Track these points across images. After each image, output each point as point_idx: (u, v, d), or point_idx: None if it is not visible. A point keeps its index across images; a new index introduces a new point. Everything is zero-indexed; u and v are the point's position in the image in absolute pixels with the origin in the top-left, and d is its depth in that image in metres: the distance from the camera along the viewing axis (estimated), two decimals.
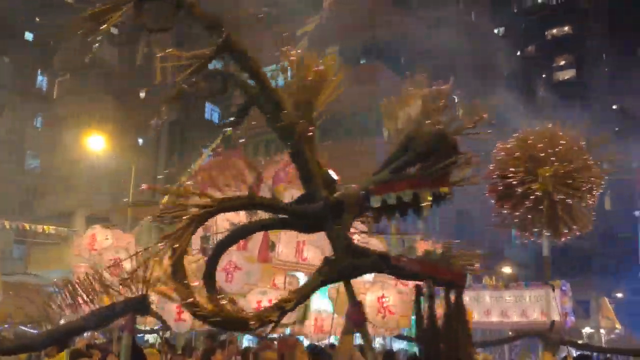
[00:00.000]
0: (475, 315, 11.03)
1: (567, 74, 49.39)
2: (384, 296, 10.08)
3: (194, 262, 4.62)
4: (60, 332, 4.12)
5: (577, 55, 47.36)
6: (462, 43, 30.70)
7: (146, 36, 3.24)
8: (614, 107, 45.12)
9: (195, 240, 10.57)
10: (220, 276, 8.05)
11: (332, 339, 10.09)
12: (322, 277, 3.39)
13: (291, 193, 9.72)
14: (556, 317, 9.92)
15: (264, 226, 3.94)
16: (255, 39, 27.64)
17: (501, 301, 10.73)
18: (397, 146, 3.64)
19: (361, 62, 25.84)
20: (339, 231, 3.47)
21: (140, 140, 30.84)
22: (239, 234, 3.91)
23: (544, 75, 48.67)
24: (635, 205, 35.99)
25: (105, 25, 3.15)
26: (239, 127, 3.87)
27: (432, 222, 29.69)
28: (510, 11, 51.44)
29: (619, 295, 32.75)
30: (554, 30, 50.65)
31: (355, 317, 3.37)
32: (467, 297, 11.29)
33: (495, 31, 43.41)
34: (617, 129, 38.27)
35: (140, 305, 4.15)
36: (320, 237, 9.26)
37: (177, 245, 3.20)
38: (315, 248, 9.41)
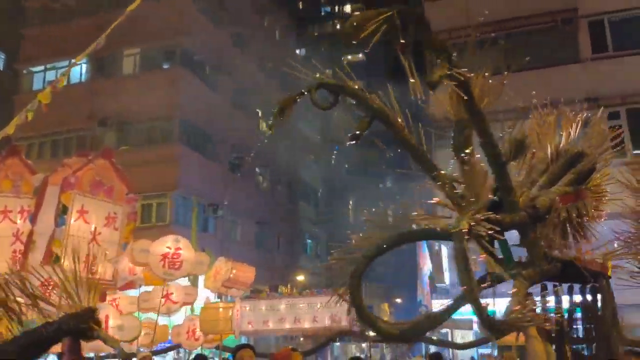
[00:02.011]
0: (271, 324, 11.31)
1: None
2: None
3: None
4: None
5: (367, 81, 51.76)
6: (265, 59, 31.56)
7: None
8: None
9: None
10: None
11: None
12: (528, 281, 3.56)
13: (81, 201, 8.98)
14: (344, 322, 10.61)
15: (428, 235, 3.88)
16: (57, 29, 25.26)
17: (295, 308, 11.15)
18: (547, 162, 4.05)
19: (164, 66, 25.05)
20: (538, 240, 3.74)
21: None
22: (394, 243, 3.64)
23: (339, 97, 52.25)
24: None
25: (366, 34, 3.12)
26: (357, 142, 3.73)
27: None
28: (312, 34, 54.46)
29: (398, 300, 36.36)
30: (349, 56, 54.81)
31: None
32: (263, 306, 11.57)
33: (297, 51, 45.50)
34: (399, 150, 42.55)
35: (84, 325, 2.89)
36: (112, 254, 8.68)
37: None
38: (108, 263, 8.85)
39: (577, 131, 4.14)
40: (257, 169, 30.32)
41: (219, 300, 14.51)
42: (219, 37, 26.89)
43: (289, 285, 12.87)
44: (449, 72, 3.27)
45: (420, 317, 3.59)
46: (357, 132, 3.71)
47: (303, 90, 3.67)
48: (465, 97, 3.43)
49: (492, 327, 3.15)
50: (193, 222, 19.94)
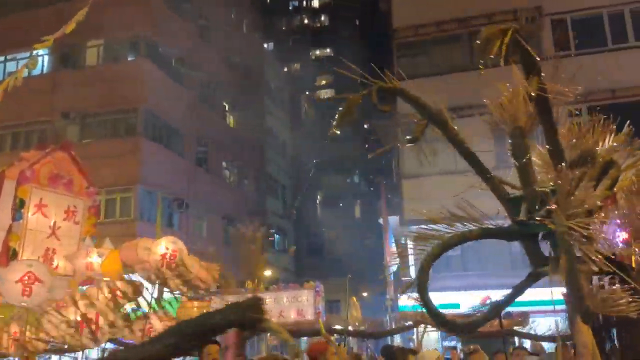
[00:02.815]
0: None
1: (328, 93, 53.74)
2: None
3: None
4: None
5: (336, 77, 51.85)
6: (232, 52, 31.27)
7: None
8: (365, 126, 50.51)
9: None
10: (15, 289, 6.98)
11: None
12: (585, 275, 3.67)
13: (39, 194, 8.74)
14: (310, 316, 10.63)
15: (488, 234, 3.99)
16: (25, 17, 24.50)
17: None
18: (579, 168, 4.19)
19: (128, 58, 24.57)
20: (591, 238, 3.85)
21: None
22: (454, 243, 3.87)
23: (307, 92, 52.14)
24: (379, 214, 40.57)
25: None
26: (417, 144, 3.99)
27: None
28: (280, 28, 54.19)
29: (365, 294, 36.58)
30: (317, 51, 54.80)
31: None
32: (230, 301, 11.51)
33: (265, 45, 45.23)
34: (366, 146, 42.89)
35: (252, 316, 2.53)
36: (72, 249, 8.47)
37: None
38: (65, 259, 8.67)
39: (610, 140, 4.44)
40: (223, 163, 30.06)
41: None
42: (185, 29, 26.52)
43: (255, 280, 12.79)
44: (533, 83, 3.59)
45: (484, 310, 3.96)
46: (415, 136, 3.96)
47: (364, 92, 3.91)
48: (541, 109, 3.74)
49: (585, 312, 3.59)
50: (158, 218, 19.62)
